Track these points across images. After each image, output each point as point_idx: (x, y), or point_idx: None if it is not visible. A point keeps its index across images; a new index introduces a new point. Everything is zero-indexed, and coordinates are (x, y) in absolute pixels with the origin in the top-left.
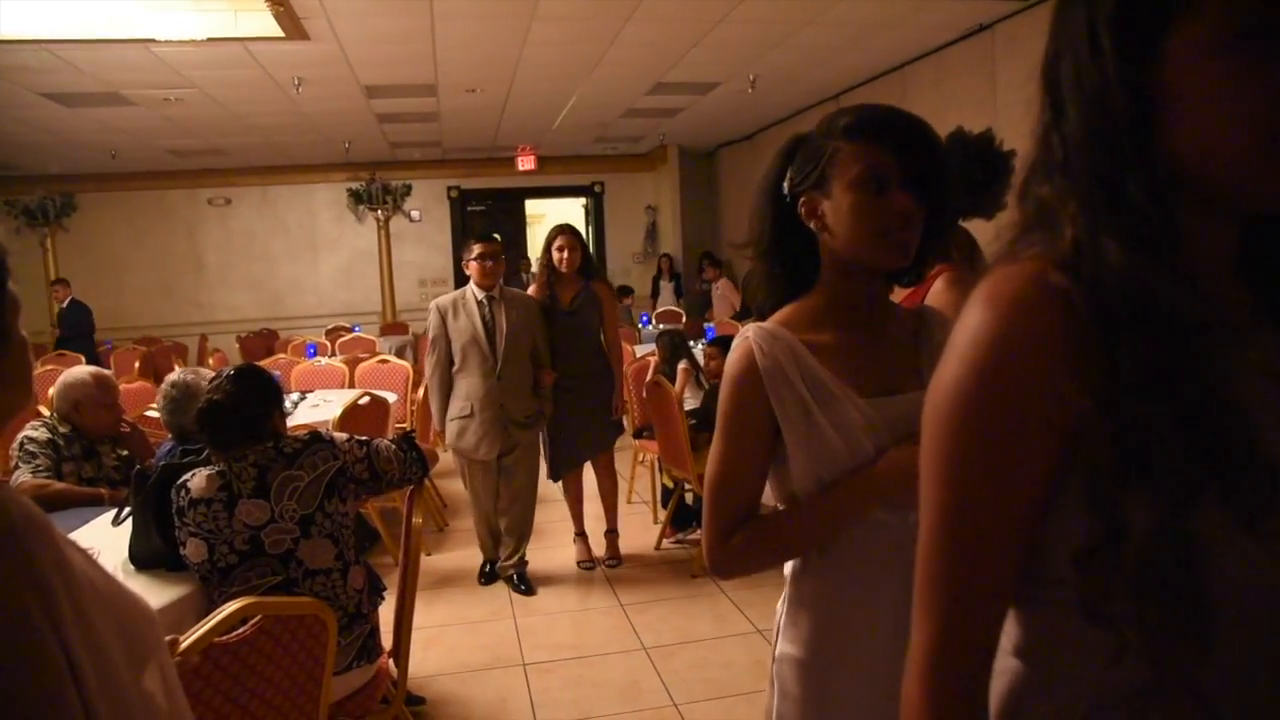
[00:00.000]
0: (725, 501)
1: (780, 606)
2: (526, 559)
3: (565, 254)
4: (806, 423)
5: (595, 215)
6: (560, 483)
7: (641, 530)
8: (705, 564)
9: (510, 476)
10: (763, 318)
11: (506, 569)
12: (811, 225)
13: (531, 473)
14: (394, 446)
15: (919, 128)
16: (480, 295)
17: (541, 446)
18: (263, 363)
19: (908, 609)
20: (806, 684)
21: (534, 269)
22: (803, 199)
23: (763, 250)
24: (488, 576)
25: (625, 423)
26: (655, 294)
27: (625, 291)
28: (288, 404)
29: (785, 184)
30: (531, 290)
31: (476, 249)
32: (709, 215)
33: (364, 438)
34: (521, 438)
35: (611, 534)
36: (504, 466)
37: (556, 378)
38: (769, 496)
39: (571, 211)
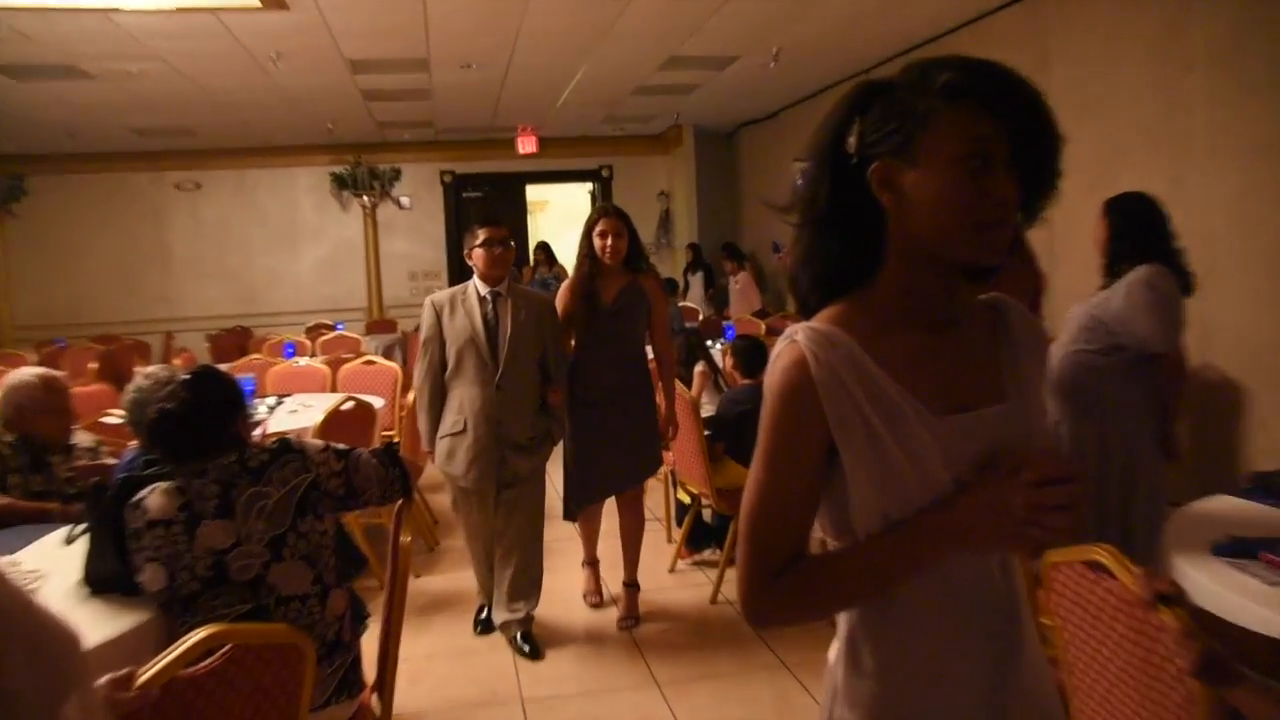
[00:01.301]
0: (768, 537)
1: (833, 662)
2: (534, 614)
3: (609, 241)
4: (870, 446)
5: (603, 202)
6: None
7: (654, 551)
8: (740, 611)
9: (509, 516)
10: (807, 312)
11: (509, 627)
12: (883, 200)
13: (535, 513)
14: (375, 461)
15: (1034, 94)
16: (484, 291)
17: (554, 478)
18: (236, 363)
19: (995, 669)
20: None
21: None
22: (876, 164)
23: (812, 219)
24: (484, 625)
25: None
26: (685, 288)
27: (670, 287)
28: (263, 408)
29: (852, 140)
30: (565, 285)
31: (482, 234)
32: (728, 202)
33: (343, 448)
34: (521, 467)
35: (631, 589)
36: (502, 501)
37: (585, 391)
38: (816, 530)
39: (577, 198)
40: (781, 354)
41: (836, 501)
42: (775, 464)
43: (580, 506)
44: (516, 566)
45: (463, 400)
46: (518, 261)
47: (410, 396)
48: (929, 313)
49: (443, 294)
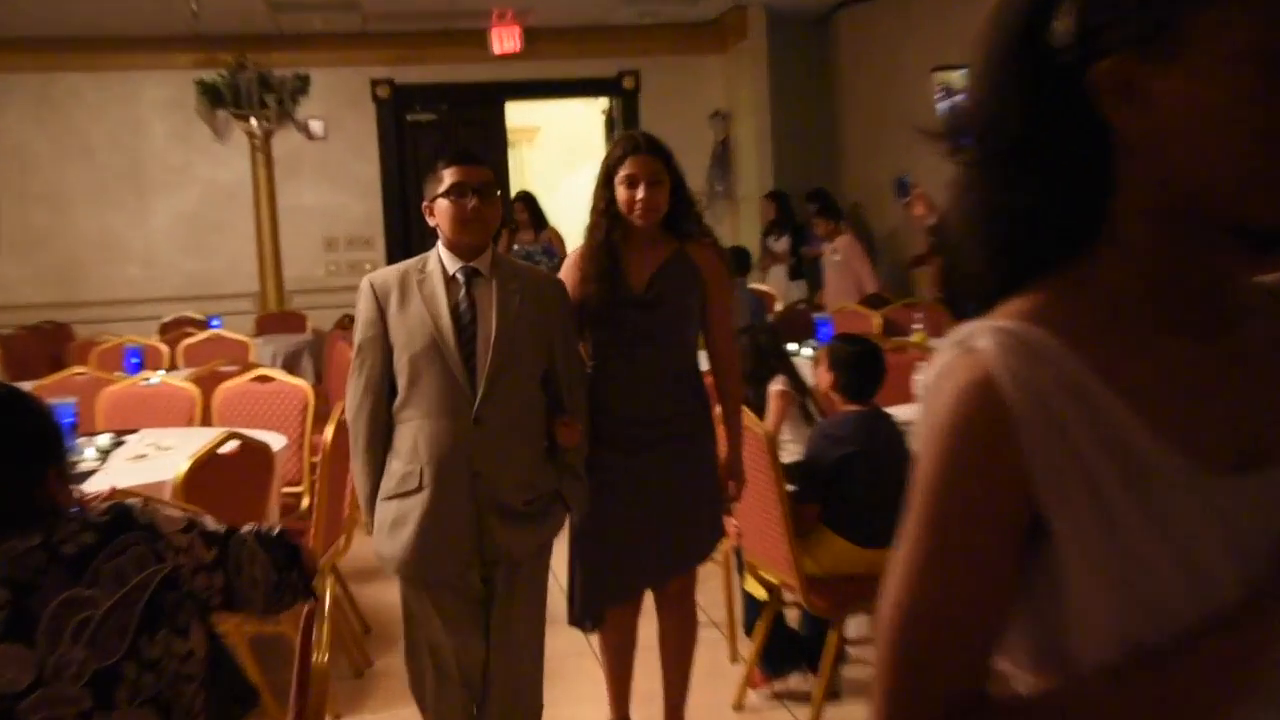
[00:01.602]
0: (929, 664)
1: None
2: None
3: (641, 192)
4: (1101, 522)
5: (625, 128)
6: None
7: (712, 674)
8: None
9: (501, 625)
10: (975, 302)
11: None
12: (1116, 121)
13: (535, 621)
14: (265, 556)
15: None
16: (454, 267)
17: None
18: (46, 381)
19: None
20: None
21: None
22: (1106, 63)
23: (994, 152)
24: None
25: None
26: (765, 256)
27: (740, 262)
28: (90, 453)
29: (1061, 25)
30: (570, 261)
31: (449, 176)
32: (819, 128)
33: (218, 529)
34: (516, 546)
35: None
36: (496, 601)
37: (604, 425)
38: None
39: (585, 123)
40: (951, 369)
41: (1042, 611)
42: (941, 547)
43: (599, 610)
44: (503, 706)
45: (419, 439)
46: (503, 221)
47: (329, 433)
48: (1191, 306)
49: (388, 272)
